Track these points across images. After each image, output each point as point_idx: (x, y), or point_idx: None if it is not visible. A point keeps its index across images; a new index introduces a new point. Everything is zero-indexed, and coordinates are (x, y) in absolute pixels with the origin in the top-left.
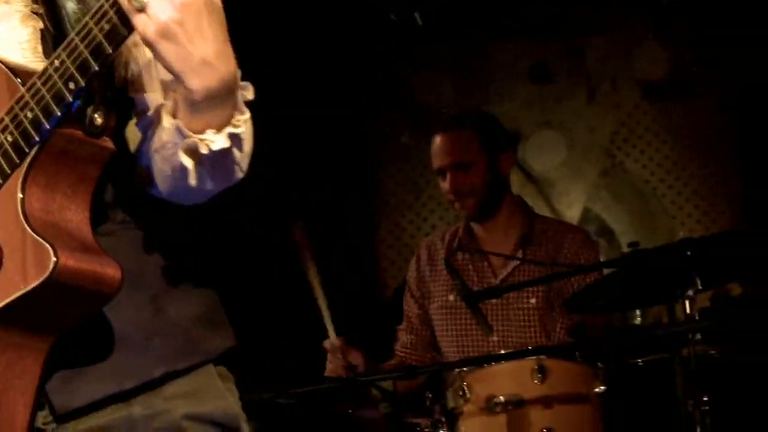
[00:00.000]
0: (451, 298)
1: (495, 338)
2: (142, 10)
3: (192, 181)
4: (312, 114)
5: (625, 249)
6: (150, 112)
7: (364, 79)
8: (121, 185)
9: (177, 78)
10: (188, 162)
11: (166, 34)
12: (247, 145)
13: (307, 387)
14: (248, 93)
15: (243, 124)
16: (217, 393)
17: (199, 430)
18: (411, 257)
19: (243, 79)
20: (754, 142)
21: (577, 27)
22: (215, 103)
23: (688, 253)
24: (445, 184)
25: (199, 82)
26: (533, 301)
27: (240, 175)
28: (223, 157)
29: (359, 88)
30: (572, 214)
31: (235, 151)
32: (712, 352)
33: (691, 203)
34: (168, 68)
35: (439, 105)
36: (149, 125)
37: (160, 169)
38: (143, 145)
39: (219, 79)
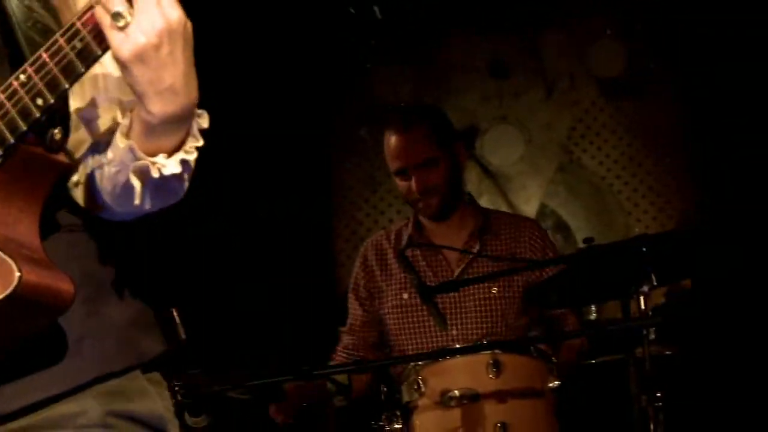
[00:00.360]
0: (406, 296)
1: (454, 332)
2: (123, 29)
3: (136, 201)
4: (268, 108)
5: (581, 245)
6: (100, 128)
7: (321, 73)
8: (55, 190)
9: (140, 100)
10: (137, 183)
11: (141, 56)
12: (192, 168)
13: (260, 380)
14: (203, 121)
15: (195, 151)
16: (145, 394)
17: (123, 427)
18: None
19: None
20: (708, 139)
21: (535, 22)
22: (172, 128)
23: (643, 249)
24: (406, 185)
25: (160, 108)
26: (494, 290)
27: (179, 197)
28: (170, 181)
29: (317, 82)
30: (529, 209)
31: (184, 176)
32: (667, 351)
33: (647, 200)
34: (134, 89)
35: (398, 99)
36: (103, 142)
37: (101, 185)
38: (87, 157)
39: (180, 106)
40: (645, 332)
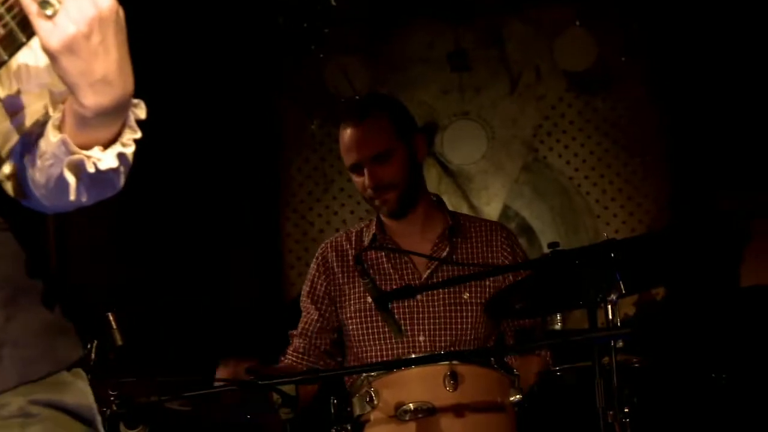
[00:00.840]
0: (370, 300)
1: (421, 338)
2: (51, 17)
3: (71, 196)
4: (209, 98)
5: (546, 249)
6: (29, 119)
7: (269, 62)
8: None
9: (72, 91)
10: (71, 178)
11: (70, 47)
12: (130, 161)
13: (200, 390)
14: (140, 112)
15: (132, 143)
16: (72, 386)
17: (48, 414)
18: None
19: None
20: (683, 139)
21: (499, 11)
22: (107, 120)
23: (612, 255)
24: (361, 180)
25: (94, 100)
26: (466, 296)
27: (117, 190)
28: (107, 175)
29: (264, 71)
30: (491, 210)
31: (121, 169)
32: (635, 362)
33: (616, 202)
34: (65, 80)
35: (351, 91)
36: (34, 134)
37: (34, 178)
38: (17, 149)
39: (115, 97)
40: (612, 343)
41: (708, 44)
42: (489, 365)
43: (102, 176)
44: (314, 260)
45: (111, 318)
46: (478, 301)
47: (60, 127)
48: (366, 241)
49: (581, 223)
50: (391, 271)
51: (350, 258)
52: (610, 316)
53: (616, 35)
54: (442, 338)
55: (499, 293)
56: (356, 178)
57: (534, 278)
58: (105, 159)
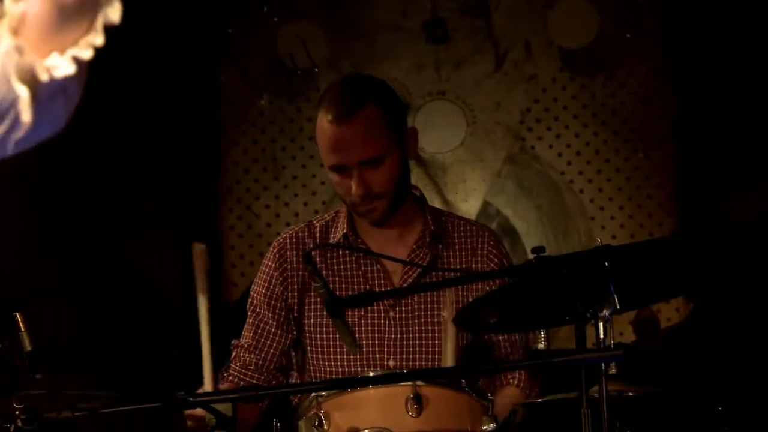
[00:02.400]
0: (344, 295)
1: (392, 363)
2: None
3: (25, 117)
4: (143, 63)
5: (529, 255)
6: None
7: (214, 25)
8: None
9: None
10: (24, 92)
11: None
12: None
13: (121, 406)
14: (114, 12)
15: (90, 49)
16: None
17: None
18: (266, 250)
19: None
20: (694, 131)
21: None
22: (75, 18)
23: (606, 263)
24: (345, 183)
25: None
26: (445, 314)
27: (63, 124)
28: (62, 90)
29: (207, 36)
30: (469, 207)
31: (74, 85)
32: (629, 392)
33: (614, 202)
34: None
35: (309, 62)
36: None
37: None
38: None
39: None
40: (603, 368)
41: (727, 20)
42: (459, 388)
43: (57, 92)
44: (269, 254)
45: (19, 318)
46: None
47: (16, 33)
48: (334, 238)
49: (572, 226)
50: (359, 277)
51: (311, 253)
52: (602, 336)
53: (619, 7)
54: (416, 363)
55: (471, 303)
56: (337, 178)
57: (514, 287)
58: (61, 65)
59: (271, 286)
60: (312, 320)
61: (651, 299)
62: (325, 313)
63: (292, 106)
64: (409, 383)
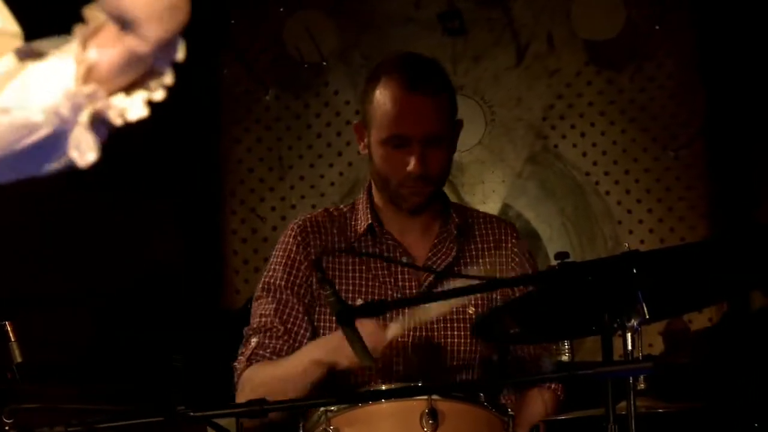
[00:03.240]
0: (359, 300)
1: (415, 357)
2: None
3: (74, 154)
4: None
5: (552, 261)
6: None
7: (216, 17)
8: None
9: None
10: (89, 138)
11: None
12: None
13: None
14: (180, 52)
15: (162, 89)
16: None
17: None
18: (270, 255)
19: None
20: (727, 129)
21: None
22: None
23: (634, 270)
24: (400, 158)
25: (158, 29)
26: (471, 310)
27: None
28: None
29: (210, 27)
30: (487, 210)
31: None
32: (659, 408)
33: (643, 205)
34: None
35: (318, 55)
36: None
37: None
38: None
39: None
40: (631, 382)
41: (761, 10)
42: (477, 402)
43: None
44: (288, 237)
45: (9, 328)
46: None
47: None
48: (360, 227)
49: (598, 230)
50: (386, 274)
51: (335, 242)
52: (630, 347)
53: None
54: (437, 371)
55: (491, 312)
56: (390, 152)
57: (536, 296)
58: (133, 108)
59: (295, 271)
60: (329, 316)
61: (682, 308)
62: (351, 304)
63: (299, 102)
64: (425, 397)
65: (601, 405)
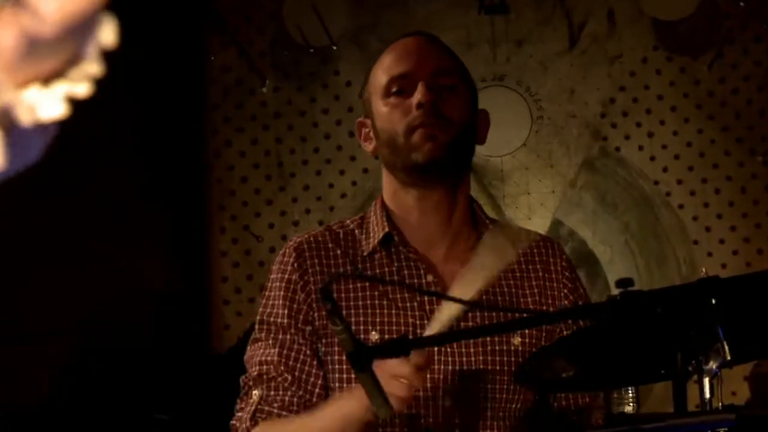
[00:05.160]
0: (375, 336)
1: (447, 403)
2: None
3: None
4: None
5: (613, 290)
6: None
7: None
8: None
9: None
10: None
11: None
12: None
13: None
14: (108, 35)
15: (86, 81)
16: None
17: None
18: (267, 281)
19: None
20: None
21: None
22: (56, 48)
23: (714, 301)
24: (400, 103)
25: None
26: (517, 341)
27: (38, 155)
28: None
29: (195, 6)
30: (533, 227)
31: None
32: None
33: (725, 222)
34: None
35: (327, 39)
36: None
37: None
38: None
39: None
40: None
41: None
42: None
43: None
44: (283, 262)
45: None
46: (532, 348)
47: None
48: (373, 241)
49: (669, 252)
50: (406, 298)
51: (340, 264)
52: (708, 395)
53: None
54: (481, 402)
55: (537, 353)
56: (394, 102)
57: (593, 332)
58: (46, 104)
59: (297, 305)
60: (338, 351)
61: None
62: (365, 335)
63: (303, 95)
64: None
65: None
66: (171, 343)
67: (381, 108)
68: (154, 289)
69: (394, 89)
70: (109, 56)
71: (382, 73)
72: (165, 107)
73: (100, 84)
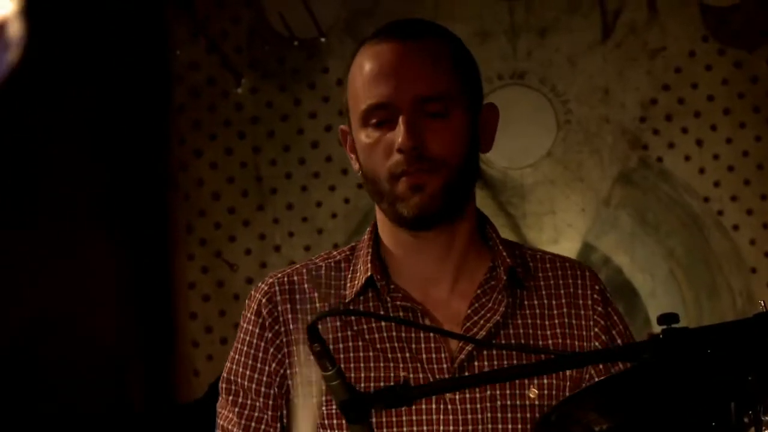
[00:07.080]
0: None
1: None
2: None
3: None
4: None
5: (655, 327)
6: None
7: None
8: None
9: None
10: None
11: None
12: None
13: None
14: None
15: None
16: None
17: None
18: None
19: None
20: None
21: None
22: None
23: None
24: (387, 141)
25: None
26: (533, 394)
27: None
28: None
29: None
30: (560, 251)
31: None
32: None
33: None
34: None
35: (316, 31)
36: None
37: None
38: None
39: None
40: None
41: None
42: None
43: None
44: (251, 310)
45: None
46: (550, 401)
47: None
48: (355, 285)
49: (722, 282)
50: (402, 338)
51: (311, 305)
52: None
53: None
54: None
55: (562, 403)
56: (374, 136)
57: (632, 376)
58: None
59: (260, 364)
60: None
61: None
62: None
63: (286, 96)
64: None
65: None
66: (130, 398)
67: (361, 137)
68: (108, 326)
69: (372, 121)
70: (51, 49)
71: (358, 92)
72: (121, 111)
73: (40, 79)
